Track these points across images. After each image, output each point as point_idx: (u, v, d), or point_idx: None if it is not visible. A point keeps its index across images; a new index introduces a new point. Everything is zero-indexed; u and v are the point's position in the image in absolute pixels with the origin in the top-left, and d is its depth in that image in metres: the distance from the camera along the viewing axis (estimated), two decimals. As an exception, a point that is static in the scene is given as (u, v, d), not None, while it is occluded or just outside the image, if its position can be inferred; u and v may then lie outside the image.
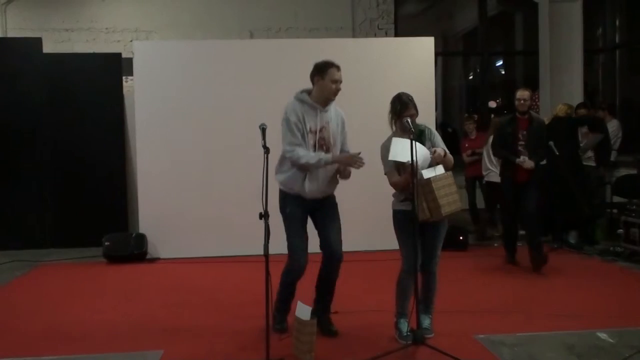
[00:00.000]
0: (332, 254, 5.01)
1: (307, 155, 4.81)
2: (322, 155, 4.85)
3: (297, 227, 4.95)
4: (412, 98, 4.81)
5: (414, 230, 4.55)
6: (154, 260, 8.22)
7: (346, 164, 4.85)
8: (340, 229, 5.07)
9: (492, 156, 8.68)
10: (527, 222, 7.27)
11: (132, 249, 8.12)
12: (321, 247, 5.05)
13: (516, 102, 7.23)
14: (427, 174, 4.55)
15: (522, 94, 7.18)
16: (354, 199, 7.74)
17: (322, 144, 4.92)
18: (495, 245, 8.86)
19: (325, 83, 4.92)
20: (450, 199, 4.60)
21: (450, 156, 4.77)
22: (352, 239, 7.46)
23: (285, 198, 4.99)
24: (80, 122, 9.05)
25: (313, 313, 4.50)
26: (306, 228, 5.02)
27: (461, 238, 8.48)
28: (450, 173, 4.71)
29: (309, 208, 5.00)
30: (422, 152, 4.64)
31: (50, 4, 10.93)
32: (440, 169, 4.64)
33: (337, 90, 4.96)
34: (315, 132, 4.89)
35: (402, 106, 4.75)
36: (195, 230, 8.23)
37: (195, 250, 8.22)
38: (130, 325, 5.42)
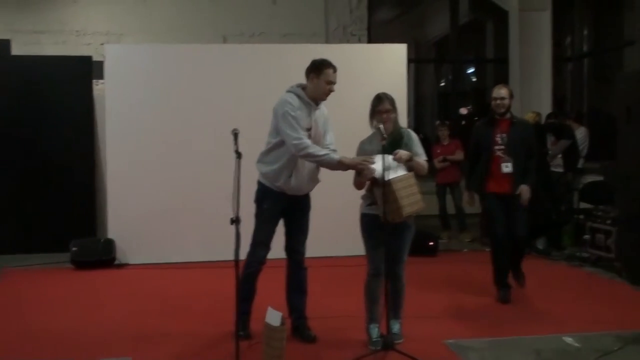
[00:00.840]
0: (297, 263, 5.09)
1: (314, 147, 4.78)
2: (329, 152, 4.81)
3: (268, 222, 4.96)
4: (391, 96, 4.84)
5: (380, 233, 4.58)
6: (123, 266, 8.12)
7: (353, 167, 4.73)
8: (306, 235, 5.12)
9: None
10: (518, 247, 6.39)
11: (100, 255, 8.02)
12: (287, 251, 5.10)
13: (492, 103, 6.26)
14: (387, 175, 4.57)
15: (499, 92, 6.18)
16: (324, 204, 7.74)
17: None
18: (465, 251, 8.93)
19: (319, 82, 4.91)
20: (412, 199, 4.60)
21: (422, 162, 4.79)
22: (323, 244, 7.49)
23: (265, 191, 4.97)
24: (49, 125, 8.95)
25: (283, 319, 4.50)
26: (277, 225, 5.04)
27: (431, 244, 8.52)
28: (411, 174, 4.70)
29: (285, 205, 4.99)
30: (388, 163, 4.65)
31: (19, 6, 10.80)
32: (401, 170, 4.65)
33: (330, 91, 4.96)
34: (308, 130, 4.89)
35: (376, 101, 4.79)
36: (165, 235, 8.17)
37: (165, 256, 8.16)
38: (98, 332, 5.36)
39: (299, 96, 4.93)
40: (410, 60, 10.85)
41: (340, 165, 4.76)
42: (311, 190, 5.11)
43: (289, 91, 4.99)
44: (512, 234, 6.11)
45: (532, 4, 11.44)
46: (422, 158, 4.82)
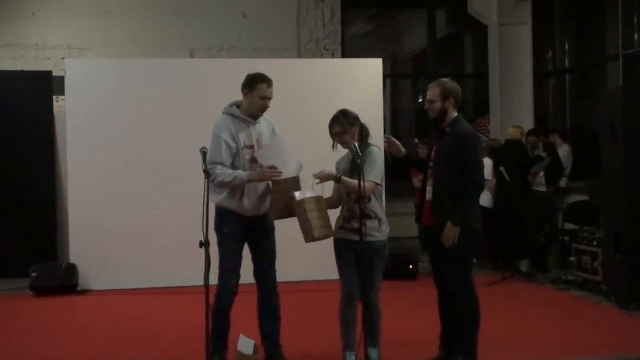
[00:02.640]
0: (268, 288, 5.09)
1: (223, 173, 4.82)
2: (238, 172, 4.86)
3: (233, 247, 4.95)
4: (350, 116, 4.85)
5: (350, 257, 4.65)
6: (86, 292, 8.05)
7: (262, 179, 4.85)
8: (274, 257, 5.13)
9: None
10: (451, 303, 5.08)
11: (61, 280, 7.95)
12: (256, 277, 5.11)
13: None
14: (299, 195, 4.61)
15: (428, 93, 5.00)
16: (295, 225, 7.76)
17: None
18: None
19: (253, 98, 4.97)
20: (324, 222, 4.63)
21: (350, 182, 4.67)
22: (295, 269, 7.48)
23: (222, 216, 4.98)
24: (7, 143, 8.87)
25: (256, 347, 4.48)
26: (242, 249, 5.05)
27: (411, 267, 8.53)
28: (321, 197, 4.71)
29: (246, 227, 5.00)
30: (293, 163, 4.84)
31: (-26, 18, 10.71)
32: (317, 190, 4.68)
33: (265, 107, 5.02)
34: (251, 147, 4.93)
35: (330, 122, 4.85)
36: (130, 259, 8.11)
37: (130, 281, 8.08)
38: (59, 362, 5.30)
39: (233, 115, 5.00)
40: (386, 76, 10.93)
41: (251, 181, 4.84)
42: (286, 216, 5.09)
43: (223, 113, 5.07)
44: (442, 284, 5.07)
45: (512, 18, 11.59)
46: (368, 178, 4.64)
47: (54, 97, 9.20)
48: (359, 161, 4.51)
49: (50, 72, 9.31)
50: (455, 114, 4.90)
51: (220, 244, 4.98)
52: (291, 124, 8.15)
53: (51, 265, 8.15)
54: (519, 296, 7.57)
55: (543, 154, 9.59)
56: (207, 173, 4.43)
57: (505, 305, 7.14)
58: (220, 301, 4.94)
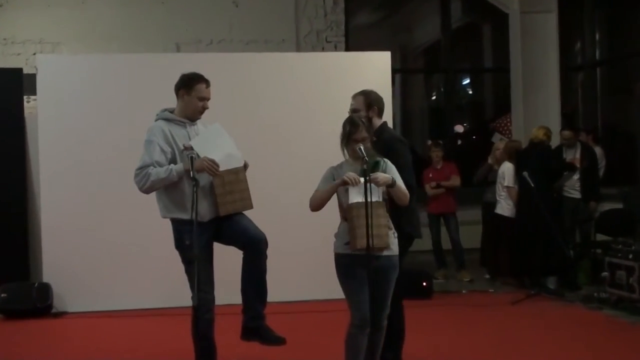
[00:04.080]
0: (254, 242, 5.09)
1: (156, 170, 4.92)
2: (172, 165, 4.94)
3: (202, 258, 4.93)
4: (366, 122, 4.86)
5: (362, 274, 4.58)
6: (61, 314, 8.04)
7: (200, 169, 4.89)
8: (251, 223, 5.17)
9: (502, 184, 9.01)
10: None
11: (34, 302, 7.93)
12: (242, 243, 5.11)
13: None
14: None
15: (351, 100, 5.50)
16: (293, 241, 7.76)
17: None
18: (464, 292, 8.95)
19: (190, 99, 5.12)
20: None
21: (404, 189, 4.78)
22: (293, 287, 7.48)
23: (181, 228, 5.02)
24: (-29, 150, 8.87)
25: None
26: (212, 259, 5.10)
27: (424, 284, 8.52)
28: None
29: (211, 233, 5.07)
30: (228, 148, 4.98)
31: None
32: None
33: (204, 109, 5.16)
34: (191, 148, 4.99)
35: (351, 127, 4.77)
36: (110, 279, 8.09)
37: (109, 302, 8.07)
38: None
39: (167, 119, 5.14)
40: (395, 71, 10.96)
41: (188, 172, 4.87)
42: (239, 208, 5.15)
43: (156, 120, 5.21)
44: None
45: (536, 5, 11.61)
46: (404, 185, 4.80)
47: (25, 97, 9.18)
48: (365, 167, 4.50)
49: (20, 70, 9.30)
50: (380, 122, 5.43)
51: (186, 259, 5.01)
52: (289, 124, 8.21)
53: (22, 285, 8.12)
54: (546, 316, 7.55)
55: (576, 158, 9.45)
56: (195, 180, 4.50)
57: (530, 326, 7.12)
58: (200, 323, 4.94)
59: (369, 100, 5.42)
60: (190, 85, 5.11)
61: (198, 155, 4.89)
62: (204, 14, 11.18)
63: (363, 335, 4.67)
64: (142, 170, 4.94)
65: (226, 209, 5.02)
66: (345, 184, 4.56)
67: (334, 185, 4.64)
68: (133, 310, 7.98)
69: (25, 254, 8.90)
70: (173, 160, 4.99)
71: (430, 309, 7.98)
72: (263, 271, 5.14)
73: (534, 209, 8.43)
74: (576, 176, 9.30)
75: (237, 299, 5.18)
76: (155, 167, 4.93)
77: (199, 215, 4.87)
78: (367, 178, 4.48)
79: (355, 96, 5.48)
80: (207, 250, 5.07)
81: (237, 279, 5.16)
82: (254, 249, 5.09)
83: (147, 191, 5.04)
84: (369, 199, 4.47)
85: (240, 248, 5.11)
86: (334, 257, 4.82)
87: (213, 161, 4.89)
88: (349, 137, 4.77)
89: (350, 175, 4.55)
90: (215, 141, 5.07)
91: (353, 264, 4.63)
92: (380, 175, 4.62)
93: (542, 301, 8.21)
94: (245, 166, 5.18)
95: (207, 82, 5.16)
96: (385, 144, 5.14)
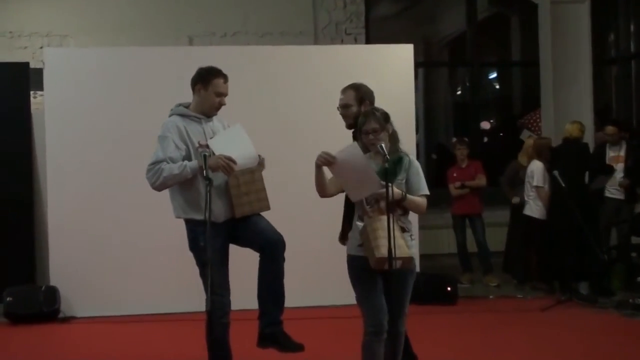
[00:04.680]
0: (272, 244, 5.10)
1: (169, 166, 4.94)
2: (187, 162, 4.96)
3: (216, 260, 4.95)
4: (381, 112, 4.78)
5: (376, 279, 4.56)
6: (68, 319, 8.07)
7: (216, 167, 4.90)
8: (269, 225, 5.19)
9: (531, 184, 8.97)
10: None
11: (40, 306, 7.96)
12: (259, 245, 5.12)
13: None
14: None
15: (341, 97, 5.56)
16: (312, 242, 7.75)
17: None
18: (490, 297, 8.91)
19: (207, 94, 5.15)
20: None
21: (417, 200, 4.72)
22: (310, 292, 7.48)
23: (195, 229, 5.03)
24: (-25, 148, 8.92)
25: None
26: (227, 261, 5.12)
27: (449, 289, 8.49)
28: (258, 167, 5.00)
29: (226, 234, 5.09)
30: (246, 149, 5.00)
31: (-62, 2, 10.82)
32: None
33: (220, 105, 5.19)
34: (207, 146, 5.04)
35: (362, 118, 4.78)
36: (119, 282, 8.12)
37: (119, 307, 8.10)
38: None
39: (182, 115, 5.17)
40: (418, 64, 10.91)
41: (201, 170, 4.89)
42: (256, 210, 5.16)
43: (169, 114, 5.25)
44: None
45: (567, -6, 11.55)
46: (420, 192, 4.74)
47: (32, 92, 9.23)
48: (386, 165, 4.47)
49: (26, 64, 9.35)
50: None
51: (200, 261, 5.02)
52: (306, 121, 8.20)
53: (29, 289, 8.16)
54: (578, 324, 7.50)
55: (620, 156, 9.33)
56: (209, 179, 4.51)
57: (561, 335, 7.07)
58: (215, 328, 4.94)
59: (360, 95, 5.38)
60: (207, 79, 5.14)
61: (213, 153, 4.89)
62: (218, 5, 11.18)
63: (379, 342, 4.65)
64: (154, 166, 4.96)
65: (242, 210, 5.02)
66: (318, 167, 4.60)
67: (316, 168, 4.65)
68: (145, 315, 8.00)
69: (32, 256, 8.94)
70: (187, 158, 5.01)
71: (454, 315, 7.95)
72: (281, 275, 5.13)
73: (565, 210, 8.38)
74: (619, 174, 9.20)
75: (252, 303, 5.17)
76: (168, 163, 4.94)
77: (214, 215, 4.88)
78: (388, 178, 4.45)
79: (344, 90, 5.47)
80: (223, 252, 5.08)
81: (253, 283, 5.16)
82: (272, 252, 5.09)
83: (159, 188, 5.06)
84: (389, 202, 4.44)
85: (257, 250, 5.11)
86: (346, 258, 4.81)
87: (230, 159, 4.89)
88: (359, 128, 4.77)
89: (321, 155, 4.56)
90: (234, 141, 5.08)
91: (367, 267, 4.58)
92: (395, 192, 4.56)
93: (574, 308, 8.17)
94: (261, 164, 5.17)
95: (225, 77, 5.19)
96: None
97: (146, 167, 5.02)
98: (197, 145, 5.04)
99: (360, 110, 5.25)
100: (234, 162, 4.91)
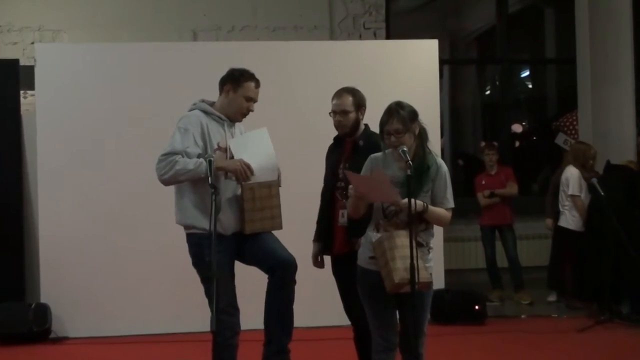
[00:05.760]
0: (283, 266, 5.14)
1: (184, 160, 4.97)
2: (203, 160, 4.95)
3: (223, 276, 4.95)
4: (408, 110, 4.74)
5: (388, 295, 4.54)
6: (60, 340, 8.08)
7: (234, 170, 4.97)
8: (279, 243, 5.27)
9: (566, 193, 8.98)
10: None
11: (30, 325, 7.97)
12: (268, 266, 5.17)
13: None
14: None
15: (337, 102, 5.46)
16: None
17: None
18: (523, 317, 8.87)
19: (236, 97, 5.19)
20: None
21: (441, 212, 4.71)
22: (317, 311, 7.48)
23: (199, 242, 5.04)
24: (-39, 152, 8.95)
25: None
26: (234, 277, 5.16)
27: (477, 308, 8.46)
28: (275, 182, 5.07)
29: (233, 247, 5.11)
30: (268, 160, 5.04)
31: None
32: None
33: (248, 111, 5.24)
34: (227, 150, 5.08)
35: (384, 116, 4.74)
36: (115, 300, 8.14)
37: (115, 326, 8.12)
38: None
39: (205, 111, 5.19)
40: (443, 61, 10.90)
41: (220, 169, 4.97)
42: (268, 228, 5.21)
43: (191, 109, 5.26)
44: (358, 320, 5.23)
45: (607, -16, 11.50)
46: (445, 205, 4.73)
47: (22, 92, 9.26)
48: (409, 172, 4.43)
49: (16, 61, 9.38)
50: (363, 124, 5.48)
51: (205, 278, 5.01)
52: (322, 122, 8.16)
53: (17, 306, 8.18)
54: (619, 346, 7.46)
55: None
56: (214, 187, 4.53)
57: (600, 358, 7.03)
58: (224, 351, 4.95)
59: (357, 100, 5.42)
60: (239, 81, 5.18)
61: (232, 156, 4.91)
62: (225, -3, 11.20)
63: None
64: (167, 157, 4.99)
65: (253, 227, 5.02)
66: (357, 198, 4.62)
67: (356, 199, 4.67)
68: (144, 335, 7.99)
69: (21, 270, 8.95)
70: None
71: (483, 336, 7.94)
72: (291, 300, 5.17)
73: (605, 221, 8.33)
74: None
75: (255, 323, 5.17)
76: (183, 156, 4.96)
77: (222, 227, 4.89)
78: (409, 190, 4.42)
79: (340, 95, 5.43)
80: (229, 268, 5.10)
81: (257, 301, 5.16)
82: (282, 274, 5.12)
83: (167, 181, 5.08)
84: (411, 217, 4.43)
85: (265, 271, 5.13)
86: (357, 269, 4.81)
87: (248, 166, 4.90)
88: (381, 128, 4.74)
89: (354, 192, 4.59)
90: (256, 147, 5.09)
91: (379, 283, 4.56)
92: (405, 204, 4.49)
93: (614, 328, 8.13)
94: (279, 178, 5.18)
95: (257, 82, 5.23)
96: (376, 150, 4.94)
97: (158, 157, 5.05)
98: (215, 146, 5.06)
99: (359, 116, 5.38)
100: (251, 171, 4.93)
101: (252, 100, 5.22)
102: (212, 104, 5.27)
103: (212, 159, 4.81)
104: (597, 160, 9.30)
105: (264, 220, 5.07)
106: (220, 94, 5.28)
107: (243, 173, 4.93)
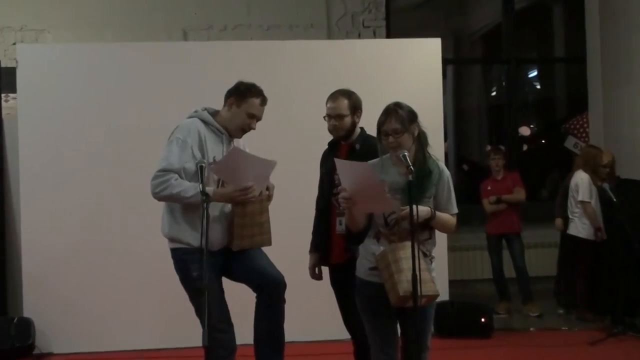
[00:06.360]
0: (272, 284, 5.16)
1: (183, 186, 4.95)
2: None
3: (213, 292, 4.92)
4: (407, 110, 4.76)
5: (389, 308, 4.54)
6: (44, 356, 8.08)
7: (230, 201, 4.98)
8: (267, 259, 5.28)
9: (575, 199, 8.96)
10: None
11: (12, 341, 7.95)
12: (257, 284, 5.19)
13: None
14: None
15: (332, 105, 5.53)
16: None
17: None
18: (531, 329, 8.85)
19: (239, 112, 5.19)
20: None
21: (446, 218, 4.74)
22: (311, 325, 7.47)
23: (186, 257, 5.07)
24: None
25: None
26: (223, 293, 5.17)
27: (483, 320, 8.45)
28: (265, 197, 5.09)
29: (220, 263, 5.11)
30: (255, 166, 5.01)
31: None
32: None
33: (249, 129, 5.24)
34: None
35: (382, 116, 4.75)
36: (102, 314, 8.12)
37: (101, 342, 8.10)
38: None
39: (204, 121, 5.18)
40: (447, 61, 10.90)
41: (218, 198, 4.98)
42: (257, 244, 5.22)
43: (191, 116, 5.26)
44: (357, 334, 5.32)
45: (618, -20, 11.52)
46: (450, 211, 4.76)
47: (3, 95, 9.25)
48: (410, 178, 4.41)
49: (-3, 63, 9.40)
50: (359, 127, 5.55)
51: (195, 294, 5.01)
52: (319, 124, 8.15)
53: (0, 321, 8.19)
54: (633, 360, 7.47)
55: None
56: (205, 195, 4.53)
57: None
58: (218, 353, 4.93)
59: (353, 103, 5.46)
60: (244, 96, 5.19)
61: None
62: (217, -5, 11.20)
63: None
64: (165, 174, 5.00)
65: (241, 244, 5.03)
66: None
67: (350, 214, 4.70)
68: (132, 351, 7.99)
69: (3, 283, 8.95)
70: (195, 173, 4.98)
71: (489, 350, 7.92)
72: (279, 320, 5.20)
73: (617, 229, 8.32)
74: None
75: (244, 338, 5.17)
76: (181, 176, 4.97)
77: (209, 242, 4.87)
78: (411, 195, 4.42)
79: (335, 97, 5.47)
80: (217, 284, 5.11)
81: (245, 316, 5.16)
82: (271, 293, 5.15)
83: (160, 199, 5.12)
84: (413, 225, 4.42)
85: (253, 290, 5.15)
86: (356, 280, 4.82)
87: (244, 188, 4.93)
88: (378, 128, 4.75)
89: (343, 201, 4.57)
90: (238, 166, 5.04)
91: (379, 296, 4.58)
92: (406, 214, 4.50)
93: (627, 341, 8.13)
94: (270, 195, 5.19)
95: (263, 99, 5.23)
96: (374, 154, 4.92)
97: (156, 171, 5.06)
98: (211, 160, 5.05)
99: (355, 120, 5.44)
100: (250, 187, 4.95)
101: (256, 117, 5.21)
102: (214, 113, 5.26)
103: (203, 164, 4.79)
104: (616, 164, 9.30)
105: (254, 237, 5.08)
106: (224, 106, 5.28)
107: (243, 197, 4.95)
